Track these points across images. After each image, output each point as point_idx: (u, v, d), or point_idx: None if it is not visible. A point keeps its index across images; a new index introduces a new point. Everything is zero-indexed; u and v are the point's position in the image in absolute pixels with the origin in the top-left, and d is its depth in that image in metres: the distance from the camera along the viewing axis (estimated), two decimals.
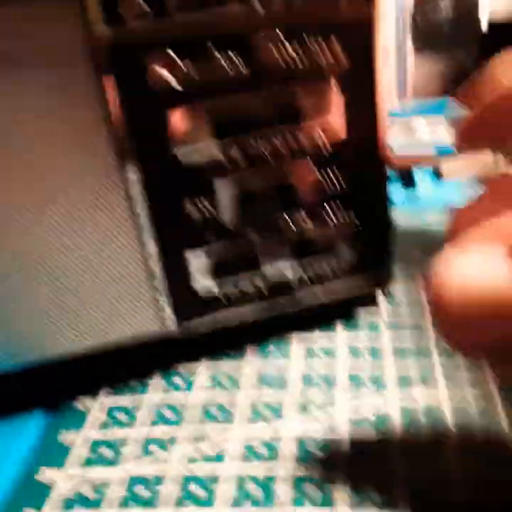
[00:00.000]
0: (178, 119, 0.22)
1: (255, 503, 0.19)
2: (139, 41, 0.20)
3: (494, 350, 0.16)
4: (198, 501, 0.20)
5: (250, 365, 0.25)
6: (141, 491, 0.20)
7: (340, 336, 0.26)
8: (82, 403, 0.24)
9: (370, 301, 0.28)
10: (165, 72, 0.21)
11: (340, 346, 0.26)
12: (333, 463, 0.20)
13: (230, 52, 0.21)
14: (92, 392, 0.25)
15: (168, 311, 0.24)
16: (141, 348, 0.25)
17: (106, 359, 0.25)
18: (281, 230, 0.24)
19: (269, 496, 0.20)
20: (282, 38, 0.21)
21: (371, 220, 0.25)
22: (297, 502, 0.19)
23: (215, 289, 0.25)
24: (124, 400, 0.24)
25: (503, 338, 0.15)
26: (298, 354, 0.26)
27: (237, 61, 0.21)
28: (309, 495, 0.19)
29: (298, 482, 0.20)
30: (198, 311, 0.25)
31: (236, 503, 0.20)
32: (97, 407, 0.24)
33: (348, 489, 0.19)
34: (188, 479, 0.21)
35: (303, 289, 0.26)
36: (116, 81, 0.21)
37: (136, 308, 0.24)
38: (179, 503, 0.20)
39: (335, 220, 0.25)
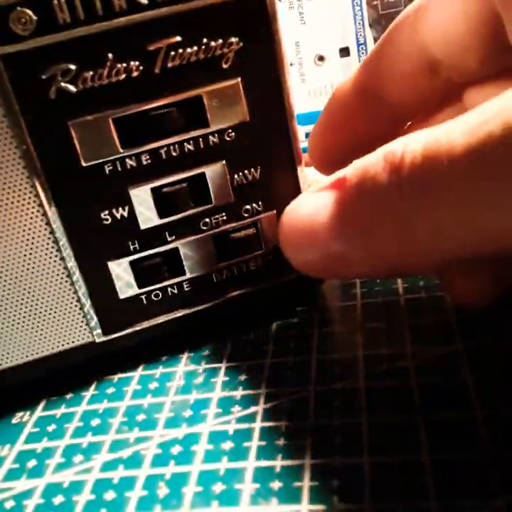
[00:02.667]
0: (84, 130, 0.22)
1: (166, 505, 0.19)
2: (34, 56, 0.21)
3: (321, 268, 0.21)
4: (111, 507, 0.20)
5: (182, 371, 0.25)
6: (59, 499, 0.20)
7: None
8: (16, 417, 0.25)
9: (308, 299, 0.28)
10: (64, 84, 0.21)
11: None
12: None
13: (128, 59, 0.22)
14: (26, 406, 0.25)
15: (95, 323, 0.25)
16: (72, 360, 0.25)
17: (37, 373, 0.25)
18: (202, 232, 0.25)
19: (177, 497, 0.19)
20: (178, 39, 0.22)
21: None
22: (205, 500, 0.19)
23: (142, 297, 0.25)
24: (57, 411, 0.24)
25: (319, 260, 0.21)
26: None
27: (136, 68, 0.22)
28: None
29: (206, 480, 0.20)
30: (126, 321, 0.25)
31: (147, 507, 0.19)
32: (27, 420, 0.24)
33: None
34: (105, 486, 0.21)
35: (230, 288, 0.26)
36: (17, 96, 0.21)
37: (63, 323, 0.24)
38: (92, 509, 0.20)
39: (255, 214, 0.25)
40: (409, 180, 0.17)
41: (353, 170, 0.20)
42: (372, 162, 0.19)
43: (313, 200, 0.21)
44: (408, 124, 0.28)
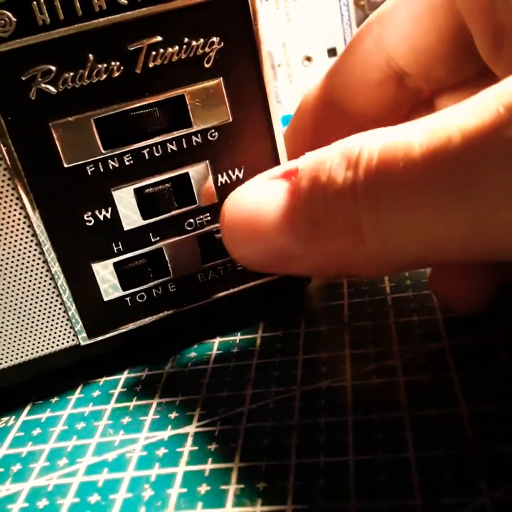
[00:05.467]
0: (65, 131, 0.22)
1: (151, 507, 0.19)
2: (14, 57, 0.21)
3: (262, 262, 0.20)
4: (95, 510, 0.19)
5: (168, 373, 0.25)
6: (43, 503, 0.20)
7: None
8: (1, 421, 0.24)
9: (294, 298, 0.28)
10: (44, 85, 0.21)
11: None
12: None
13: (109, 60, 0.21)
14: (11, 410, 0.25)
15: (80, 326, 0.24)
16: (57, 364, 0.25)
17: (22, 377, 0.25)
18: (186, 232, 0.24)
19: (162, 498, 0.19)
20: (159, 39, 0.22)
21: None
22: (190, 502, 0.19)
23: (127, 299, 0.25)
24: (42, 415, 0.24)
25: (261, 253, 0.20)
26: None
27: (117, 68, 0.22)
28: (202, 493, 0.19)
29: (191, 481, 0.20)
30: (111, 323, 0.25)
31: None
32: (13, 424, 0.24)
33: None
34: (89, 489, 0.20)
35: (215, 289, 0.26)
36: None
37: (47, 326, 0.24)
38: None
39: None
40: (364, 179, 0.17)
41: (307, 161, 0.19)
42: (328, 156, 0.18)
43: (261, 188, 0.20)
44: None
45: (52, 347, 0.24)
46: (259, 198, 0.19)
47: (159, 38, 0.22)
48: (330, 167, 0.18)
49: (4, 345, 0.24)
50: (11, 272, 0.23)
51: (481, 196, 0.15)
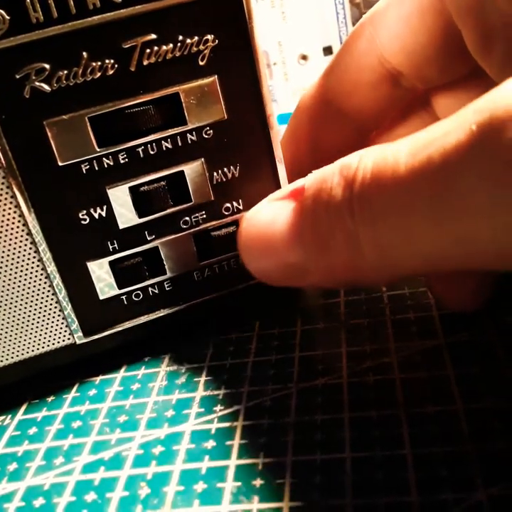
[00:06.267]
0: (60, 130, 0.22)
1: (147, 505, 0.19)
2: (7, 55, 0.21)
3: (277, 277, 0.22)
4: (92, 508, 0.19)
5: (165, 372, 0.25)
6: (39, 502, 0.20)
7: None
8: None
9: (291, 296, 0.28)
10: (38, 83, 0.21)
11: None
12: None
13: (103, 58, 0.21)
14: (7, 409, 0.25)
15: (76, 325, 0.24)
16: (53, 363, 0.25)
17: (18, 376, 0.25)
18: (182, 230, 0.24)
19: (159, 496, 0.19)
20: (153, 36, 0.22)
21: None
22: (187, 499, 0.19)
23: (122, 298, 0.25)
24: (38, 414, 0.24)
25: (276, 268, 0.21)
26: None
27: (111, 66, 0.22)
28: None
29: (188, 479, 0.20)
30: (107, 322, 0.25)
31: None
32: (9, 423, 0.24)
33: None
34: (86, 487, 0.20)
35: (211, 287, 0.26)
36: None
37: (43, 325, 0.24)
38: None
39: (235, 212, 0.25)
40: (359, 196, 0.18)
41: (311, 180, 0.20)
42: (329, 174, 0.19)
43: (272, 208, 0.21)
44: (373, 133, 0.28)
45: (48, 346, 0.24)
46: (271, 217, 0.21)
47: (153, 36, 0.22)
48: (331, 185, 0.18)
49: (0, 344, 0.24)
50: (6, 271, 0.23)
51: (462, 214, 0.15)
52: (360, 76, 0.25)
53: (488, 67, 0.21)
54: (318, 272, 0.20)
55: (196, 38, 0.22)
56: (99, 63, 0.21)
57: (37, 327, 0.24)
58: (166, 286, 0.25)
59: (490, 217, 0.15)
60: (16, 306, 0.23)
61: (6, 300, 0.23)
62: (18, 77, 0.21)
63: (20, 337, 0.24)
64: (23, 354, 0.24)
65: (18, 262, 0.23)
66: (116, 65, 0.22)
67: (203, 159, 0.24)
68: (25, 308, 0.23)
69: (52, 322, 0.24)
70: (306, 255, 0.20)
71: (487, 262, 0.16)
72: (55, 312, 0.24)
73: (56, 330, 0.24)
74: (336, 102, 0.26)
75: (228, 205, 0.25)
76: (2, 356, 0.24)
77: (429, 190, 0.16)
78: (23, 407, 0.25)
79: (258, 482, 0.19)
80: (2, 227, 0.22)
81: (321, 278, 0.20)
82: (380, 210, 0.17)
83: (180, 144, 0.23)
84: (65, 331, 0.24)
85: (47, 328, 0.24)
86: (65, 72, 0.21)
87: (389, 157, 0.17)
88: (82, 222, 0.23)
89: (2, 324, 0.23)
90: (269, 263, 0.21)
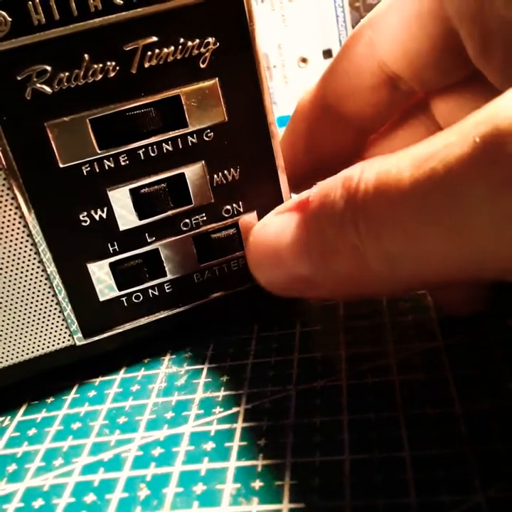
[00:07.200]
0: (61, 131, 0.22)
1: (146, 507, 0.19)
2: (9, 57, 0.21)
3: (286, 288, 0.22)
4: (91, 509, 0.19)
5: (164, 373, 0.25)
6: (38, 503, 0.20)
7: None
8: None
9: (291, 298, 0.28)
10: (40, 85, 0.21)
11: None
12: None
13: (105, 60, 0.21)
14: (6, 410, 0.25)
15: (76, 326, 0.24)
16: (52, 364, 0.25)
17: (18, 377, 0.25)
18: (182, 232, 0.24)
19: (158, 498, 0.19)
20: (154, 39, 0.22)
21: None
22: (186, 501, 0.19)
23: (122, 300, 0.25)
24: (37, 415, 0.24)
25: (284, 280, 0.21)
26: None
27: (112, 68, 0.22)
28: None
29: (187, 481, 0.20)
30: (106, 324, 0.25)
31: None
32: (8, 424, 0.24)
33: None
34: (85, 489, 0.20)
35: (211, 289, 0.26)
36: None
37: (43, 326, 0.24)
38: None
39: (235, 214, 0.25)
40: (362, 208, 0.17)
41: (315, 193, 0.20)
42: (332, 186, 0.19)
43: (279, 221, 0.21)
44: (372, 136, 0.28)
45: (48, 347, 0.24)
46: (278, 230, 0.21)
47: (155, 39, 0.22)
48: (333, 197, 0.18)
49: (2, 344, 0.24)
50: (6, 272, 0.23)
51: (469, 227, 0.15)
52: (358, 80, 0.25)
53: (488, 72, 0.21)
54: (325, 285, 0.20)
55: (197, 40, 0.22)
56: (100, 65, 0.22)
57: (37, 328, 0.24)
58: (166, 288, 0.25)
59: (498, 230, 0.15)
60: (15, 307, 0.23)
61: (6, 301, 0.23)
62: (19, 78, 0.21)
63: (20, 338, 0.24)
64: (22, 355, 0.24)
65: (18, 263, 0.23)
66: (117, 67, 0.22)
67: (203, 161, 0.24)
68: (25, 309, 0.24)
69: (52, 323, 0.24)
70: (312, 268, 0.20)
71: (495, 273, 0.16)
72: (54, 313, 0.24)
73: (56, 331, 0.24)
74: (335, 106, 0.26)
75: (228, 207, 0.25)
76: (2, 357, 0.24)
77: (434, 203, 0.16)
78: (23, 408, 0.25)
79: (257, 484, 0.19)
80: (3, 228, 0.22)
81: (329, 290, 0.21)
82: (384, 221, 0.17)
83: (180, 146, 0.23)
84: (65, 332, 0.24)
85: (47, 329, 0.24)
86: (67, 74, 0.21)
87: (392, 169, 0.17)
88: (83, 223, 0.23)
89: (2, 325, 0.23)
90: (278, 275, 0.21)
